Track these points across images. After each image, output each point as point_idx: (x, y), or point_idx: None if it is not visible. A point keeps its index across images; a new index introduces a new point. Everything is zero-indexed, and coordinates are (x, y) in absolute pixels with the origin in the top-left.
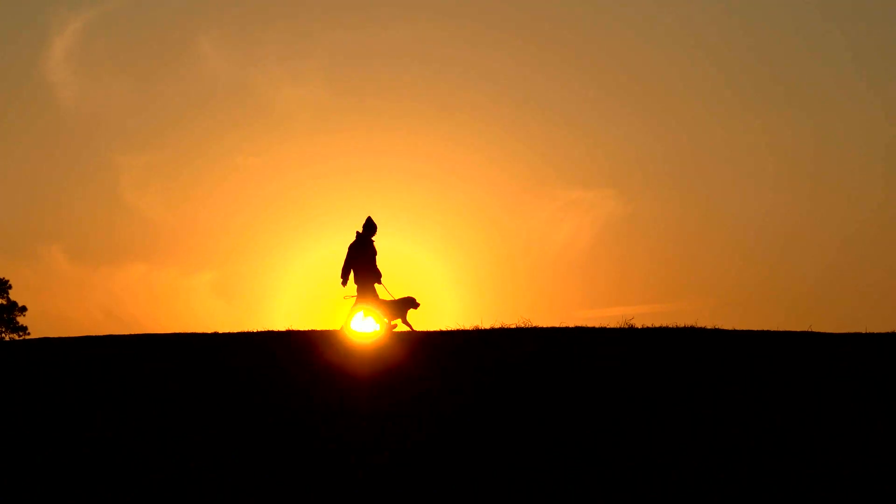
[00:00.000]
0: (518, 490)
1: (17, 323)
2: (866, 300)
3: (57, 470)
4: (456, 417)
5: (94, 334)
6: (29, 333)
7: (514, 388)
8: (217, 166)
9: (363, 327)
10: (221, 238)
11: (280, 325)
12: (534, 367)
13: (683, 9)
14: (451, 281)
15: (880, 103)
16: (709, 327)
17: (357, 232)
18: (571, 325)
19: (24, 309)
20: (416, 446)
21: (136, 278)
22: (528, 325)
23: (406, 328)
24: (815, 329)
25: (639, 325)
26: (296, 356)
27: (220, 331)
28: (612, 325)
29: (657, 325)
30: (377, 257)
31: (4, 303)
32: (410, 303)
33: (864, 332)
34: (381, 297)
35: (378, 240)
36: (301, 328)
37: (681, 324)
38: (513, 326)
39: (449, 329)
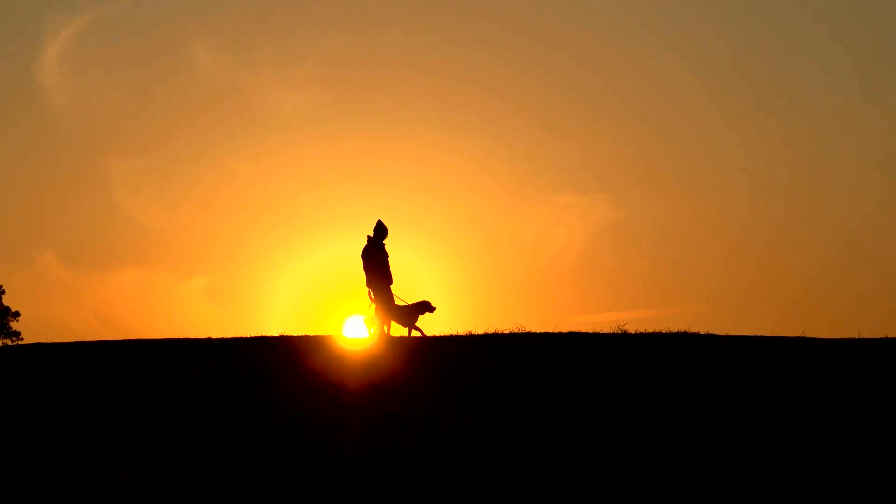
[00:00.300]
0: (515, 500)
1: (11, 328)
2: (860, 306)
3: (49, 476)
4: (450, 426)
5: (87, 339)
6: (22, 338)
7: (508, 396)
8: (211, 171)
9: (356, 333)
10: (215, 243)
11: (274, 330)
12: (528, 373)
13: (676, 13)
14: (444, 286)
15: (874, 107)
16: (702, 333)
17: (368, 236)
18: (565, 330)
19: (17, 314)
20: (411, 456)
21: (129, 283)
22: (522, 330)
23: (418, 333)
24: (809, 334)
25: (632, 331)
26: (288, 362)
27: (214, 336)
28: (606, 330)
29: (650, 330)
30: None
31: None
32: (426, 307)
33: (857, 337)
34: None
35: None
36: (294, 334)
37: (674, 329)
38: (506, 332)
39: (442, 334)
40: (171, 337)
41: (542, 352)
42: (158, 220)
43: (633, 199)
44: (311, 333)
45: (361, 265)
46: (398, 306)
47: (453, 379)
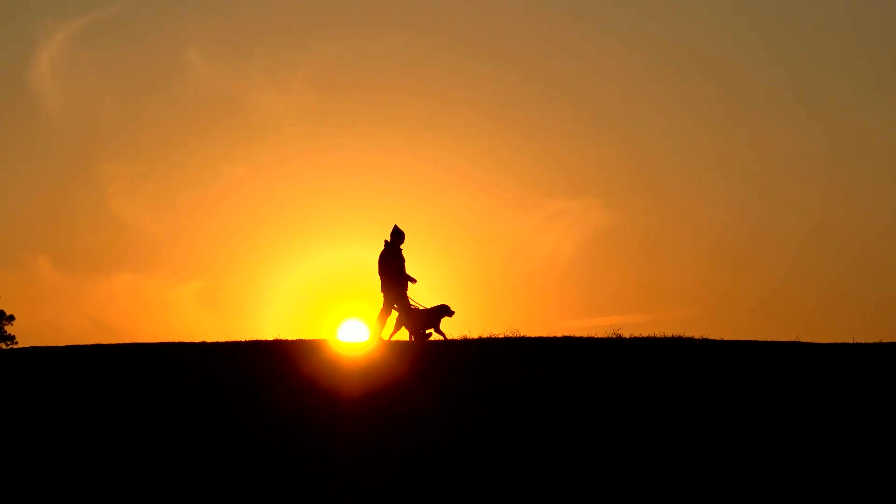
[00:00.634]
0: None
1: (5, 332)
2: (855, 311)
3: (45, 478)
4: (447, 431)
5: (81, 343)
6: (17, 342)
7: (505, 400)
8: (204, 176)
9: (352, 337)
10: (209, 247)
11: (269, 334)
12: (524, 378)
13: (667, 18)
14: (438, 291)
15: (869, 110)
16: (697, 337)
17: (385, 241)
18: (559, 334)
19: (11, 318)
20: (406, 461)
21: (123, 288)
22: (516, 335)
23: (439, 337)
24: (804, 339)
25: (626, 335)
26: (284, 367)
27: (209, 340)
28: (600, 334)
29: (645, 334)
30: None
31: None
32: (444, 310)
33: (852, 342)
34: (411, 306)
35: (364, 250)
36: (289, 338)
37: (668, 334)
38: (500, 336)
39: (437, 339)
40: (165, 341)
41: (537, 356)
42: (152, 225)
43: (627, 204)
44: (307, 337)
45: (377, 270)
46: (417, 310)
47: (448, 384)
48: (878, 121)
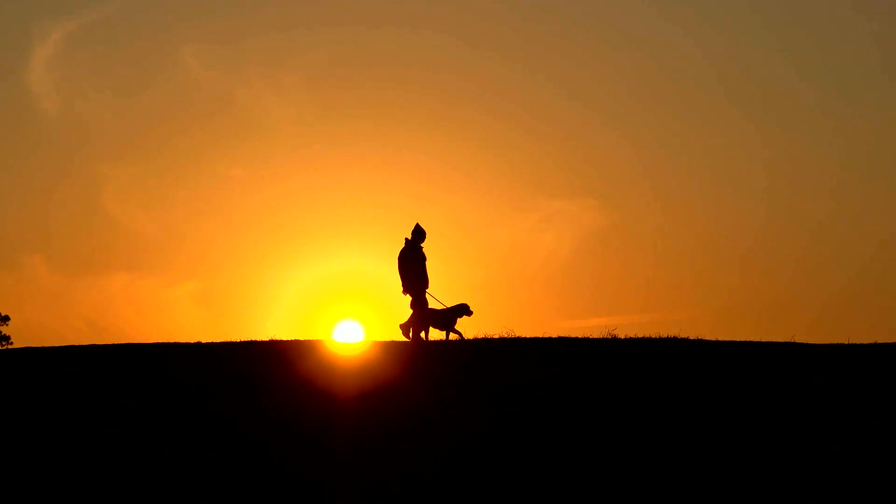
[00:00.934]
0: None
1: (0, 332)
2: (850, 312)
3: (40, 479)
4: (443, 431)
5: (77, 344)
6: (12, 343)
7: (500, 401)
8: (200, 177)
9: (347, 338)
10: (205, 248)
11: (264, 335)
12: (519, 378)
13: (665, 16)
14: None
15: (862, 109)
16: (692, 338)
17: (406, 239)
18: (555, 335)
19: (6, 318)
20: (402, 461)
21: (118, 288)
22: (512, 335)
23: (455, 336)
24: (799, 340)
25: (622, 336)
26: (278, 367)
27: (204, 340)
28: (596, 335)
29: (640, 335)
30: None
31: None
32: (463, 310)
33: (847, 342)
34: (431, 305)
35: (363, 251)
36: (285, 338)
37: (664, 334)
38: (496, 337)
39: (433, 339)
40: (160, 341)
41: (533, 357)
42: (148, 225)
43: (623, 205)
44: (302, 338)
45: (397, 268)
46: (436, 310)
47: (444, 384)
48: (879, 122)
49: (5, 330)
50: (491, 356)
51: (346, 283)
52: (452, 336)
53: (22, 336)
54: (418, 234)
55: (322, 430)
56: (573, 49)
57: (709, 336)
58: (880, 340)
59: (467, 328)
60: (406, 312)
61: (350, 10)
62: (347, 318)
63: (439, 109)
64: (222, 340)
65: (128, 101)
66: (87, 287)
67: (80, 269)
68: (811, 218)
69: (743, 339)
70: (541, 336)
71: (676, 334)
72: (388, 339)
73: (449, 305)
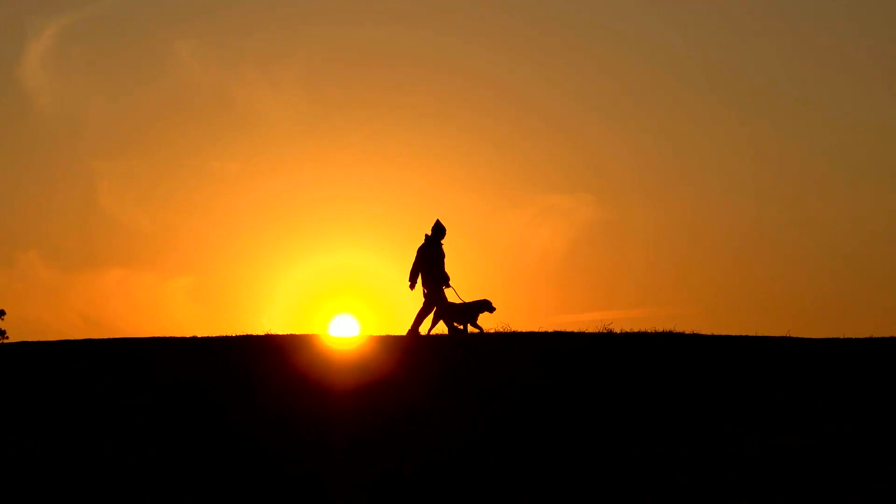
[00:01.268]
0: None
1: None
2: (846, 306)
3: (34, 473)
4: (439, 427)
5: (72, 338)
6: (7, 337)
7: (495, 395)
8: (195, 172)
9: (343, 332)
10: (200, 243)
11: (259, 329)
12: (515, 373)
13: (663, 11)
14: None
15: (863, 107)
16: (688, 332)
17: (426, 234)
18: (550, 329)
19: (2, 313)
20: (399, 461)
21: (114, 283)
22: (507, 329)
23: (475, 330)
24: (794, 334)
25: (617, 330)
26: (273, 362)
27: (199, 335)
28: (591, 329)
29: (636, 329)
30: (445, 259)
31: None
32: (485, 306)
33: (843, 337)
34: (451, 300)
35: (359, 246)
36: (280, 332)
37: (659, 328)
38: (492, 331)
39: (429, 333)
40: (156, 336)
41: (529, 351)
42: (142, 221)
43: (619, 200)
44: (298, 332)
45: (413, 261)
46: (455, 304)
47: (440, 379)
48: (872, 118)
49: (1, 325)
50: (486, 351)
51: (341, 278)
52: (473, 331)
53: (17, 331)
54: (438, 230)
55: (317, 424)
56: (570, 44)
57: (704, 330)
58: (876, 335)
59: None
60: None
61: (346, 6)
62: (343, 313)
63: (435, 105)
64: (218, 335)
65: (123, 97)
66: (82, 282)
67: (75, 265)
68: (808, 213)
69: (738, 334)
70: (536, 330)
71: (672, 329)
72: (383, 333)
73: (469, 300)
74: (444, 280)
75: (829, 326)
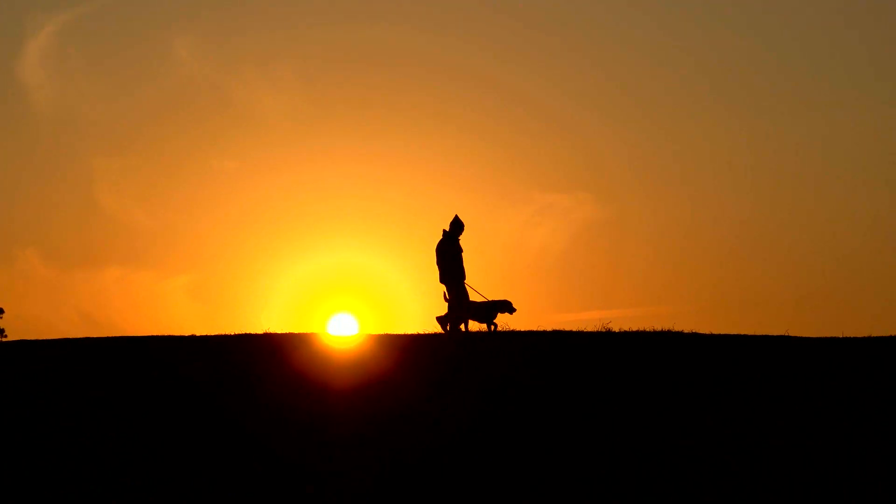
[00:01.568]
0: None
1: None
2: (845, 306)
3: (32, 471)
4: (437, 425)
5: (71, 336)
6: (6, 336)
7: (494, 394)
8: (193, 169)
9: (342, 331)
10: (198, 241)
11: (258, 328)
12: (514, 371)
13: (662, 9)
14: (427, 284)
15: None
16: (686, 331)
17: (444, 230)
18: (549, 328)
19: (1, 311)
20: (397, 459)
21: (112, 281)
22: (506, 328)
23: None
24: (793, 334)
25: (616, 329)
26: (272, 360)
27: (198, 333)
28: (590, 328)
29: (635, 328)
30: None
31: None
32: (506, 306)
33: (841, 336)
34: (472, 298)
35: (358, 244)
36: (279, 331)
37: (659, 327)
38: (490, 330)
39: (427, 332)
40: (154, 334)
41: (528, 350)
42: (141, 218)
43: (618, 198)
44: (297, 331)
45: (435, 260)
46: (474, 302)
47: (438, 378)
48: (870, 117)
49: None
50: (485, 349)
51: (340, 277)
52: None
53: (16, 329)
54: (456, 225)
55: (316, 423)
56: (568, 43)
57: (703, 330)
58: (874, 334)
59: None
60: (438, 305)
61: (345, 5)
62: (342, 312)
63: (433, 104)
64: (216, 333)
65: (121, 95)
66: (80, 280)
67: (73, 263)
68: (807, 212)
69: (737, 333)
70: (535, 329)
71: (671, 328)
72: (382, 332)
73: (491, 299)
74: (462, 276)
75: (828, 326)
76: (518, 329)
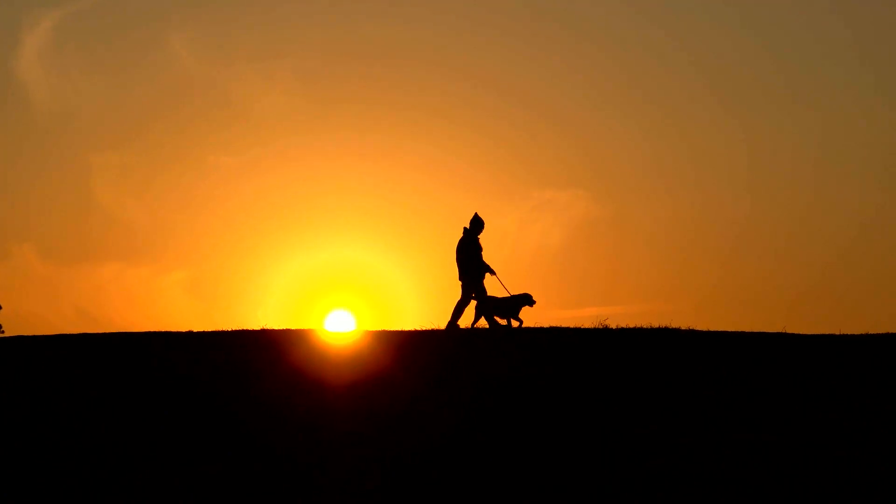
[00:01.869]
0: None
1: None
2: (841, 303)
3: (29, 468)
4: (436, 423)
5: (68, 332)
6: (3, 331)
7: (491, 391)
8: (191, 166)
9: (339, 327)
10: (195, 237)
11: (255, 324)
12: (512, 368)
13: (654, 11)
14: (426, 282)
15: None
16: (683, 328)
17: (464, 228)
18: (546, 325)
19: None
20: (394, 457)
21: (109, 277)
22: (504, 325)
23: (515, 323)
24: (790, 331)
25: (613, 326)
26: (269, 357)
27: (195, 329)
28: (587, 325)
29: (632, 325)
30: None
31: None
32: (527, 300)
33: (838, 333)
34: (495, 293)
35: (355, 241)
36: (276, 327)
37: (656, 324)
38: (487, 326)
39: (424, 329)
40: (151, 330)
41: (525, 346)
42: (138, 215)
43: (614, 195)
44: (294, 327)
45: (455, 258)
46: (497, 299)
47: (435, 374)
48: (866, 115)
49: None
50: (481, 346)
51: (337, 273)
52: (514, 323)
53: (12, 325)
54: (476, 223)
55: (313, 420)
56: (566, 40)
57: (700, 326)
58: (872, 331)
59: (461, 319)
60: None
61: (342, 2)
62: (339, 308)
63: (430, 100)
64: (213, 329)
65: (118, 91)
66: (77, 276)
67: (70, 258)
68: (804, 209)
69: (734, 330)
70: (532, 326)
71: (668, 324)
72: (379, 328)
73: (513, 293)
74: (487, 270)
75: (826, 323)
76: (516, 325)
